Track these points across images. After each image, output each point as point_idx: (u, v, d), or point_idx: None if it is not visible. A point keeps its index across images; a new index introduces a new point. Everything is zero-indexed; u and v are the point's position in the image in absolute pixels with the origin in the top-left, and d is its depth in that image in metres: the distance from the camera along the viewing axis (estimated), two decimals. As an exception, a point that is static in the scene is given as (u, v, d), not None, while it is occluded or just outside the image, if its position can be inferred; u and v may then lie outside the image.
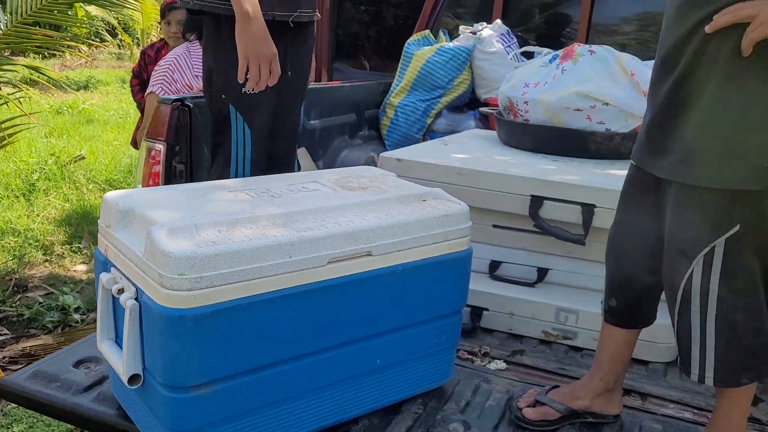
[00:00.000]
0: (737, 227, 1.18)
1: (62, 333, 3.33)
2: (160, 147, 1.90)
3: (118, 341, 1.28)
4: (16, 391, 1.46)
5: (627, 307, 1.46)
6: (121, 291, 1.20)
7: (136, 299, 1.16)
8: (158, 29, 13.08)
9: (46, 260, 4.11)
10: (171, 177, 1.91)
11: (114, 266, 1.25)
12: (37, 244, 4.26)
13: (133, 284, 1.18)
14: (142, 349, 1.17)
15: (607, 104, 2.10)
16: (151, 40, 13.65)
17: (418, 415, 1.45)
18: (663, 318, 1.76)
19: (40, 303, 3.51)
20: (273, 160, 1.86)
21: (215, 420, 1.17)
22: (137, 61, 3.50)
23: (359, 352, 1.33)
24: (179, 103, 1.92)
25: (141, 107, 3.43)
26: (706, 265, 1.23)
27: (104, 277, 1.25)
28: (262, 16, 1.62)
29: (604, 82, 2.12)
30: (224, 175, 1.76)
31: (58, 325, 3.39)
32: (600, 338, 1.52)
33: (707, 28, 1.14)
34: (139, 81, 3.43)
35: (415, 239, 1.35)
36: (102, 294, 1.27)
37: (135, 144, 3.55)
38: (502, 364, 1.73)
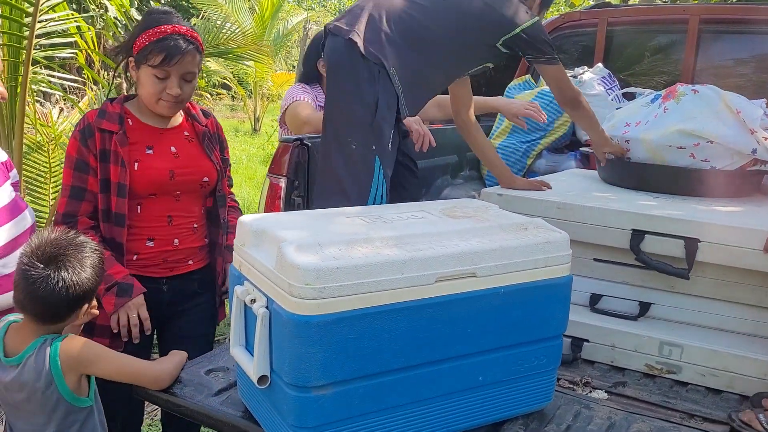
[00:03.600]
0: None
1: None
2: (282, 182, 2.09)
3: (248, 347, 1.44)
4: (154, 393, 1.64)
5: None
6: (253, 301, 1.36)
7: (266, 308, 1.32)
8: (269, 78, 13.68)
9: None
10: (290, 209, 2.10)
11: (247, 279, 1.42)
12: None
13: (264, 294, 1.33)
14: (271, 353, 1.32)
15: (711, 142, 2.10)
16: (264, 93, 14.50)
17: (519, 434, 1.51)
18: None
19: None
20: None
21: (332, 420, 1.29)
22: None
23: (462, 368, 1.42)
24: (299, 142, 2.12)
25: None
26: None
27: (239, 289, 1.42)
28: None
29: (708, 120, 2.13)
30: None
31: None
32: None
33: None
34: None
35: (517, 263, 1.44)
36: (236, 304, 1.44)
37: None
38: (603, 394, 1.75)
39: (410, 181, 2.19)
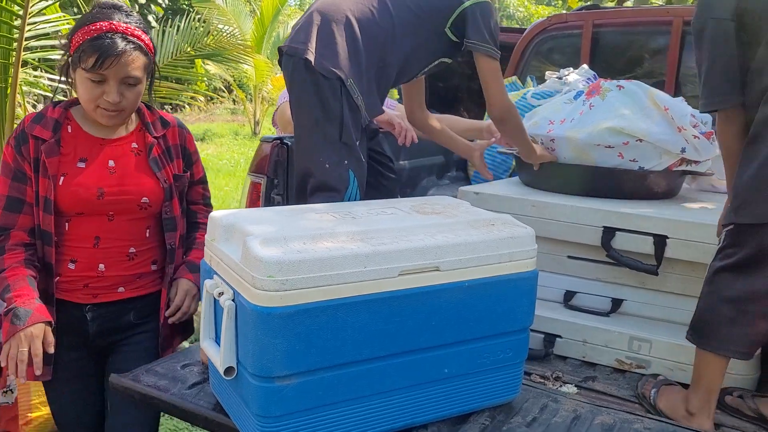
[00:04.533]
0: (731, 226, 1.58)
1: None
2: (261, 180, 2.13)
3: (217, 340, 1.47)
4: (130, 387, 1.67)
5: None
6: (221, 294, 1.39)
7: (233, 300, 1.35)
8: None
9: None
10: (269, 206, 2.14)
11: (216, 273, 1.45)
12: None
13: (231, 287, 1.37)
14: (237, 345, 1.35)
15: (641, 140, 2.02)
16: (264, 97, 14.52)
17: (485, 426, 1.53)
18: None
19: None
20: None
21: (297, 410, 1.32)
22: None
23: (427, 361, 1.45)
24: (279, 141, 2.16)
25: None
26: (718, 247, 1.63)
27: (208, 283, 1.45)
28: None
29: (636, 118, 2.05)
30: None
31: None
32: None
33: None
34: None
35: (481, 258, 1.47)
36: (206, 298, 1.47)
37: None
38: (573, 389, 1.79)
39: (387, 177, 2.21)
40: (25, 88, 3.50)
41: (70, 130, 1.75)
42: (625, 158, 2.05)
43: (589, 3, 3.93)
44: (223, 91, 16.53)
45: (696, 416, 1.60)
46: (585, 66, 3.34)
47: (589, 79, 3.26)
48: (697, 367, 1.62)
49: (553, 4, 12.60)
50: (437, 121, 2.33)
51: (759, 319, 1.55)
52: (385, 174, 2.17)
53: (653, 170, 2.06)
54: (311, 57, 1.83)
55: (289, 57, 1.90)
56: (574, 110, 2.21)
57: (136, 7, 12.25)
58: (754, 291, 1.53)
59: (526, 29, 3.74)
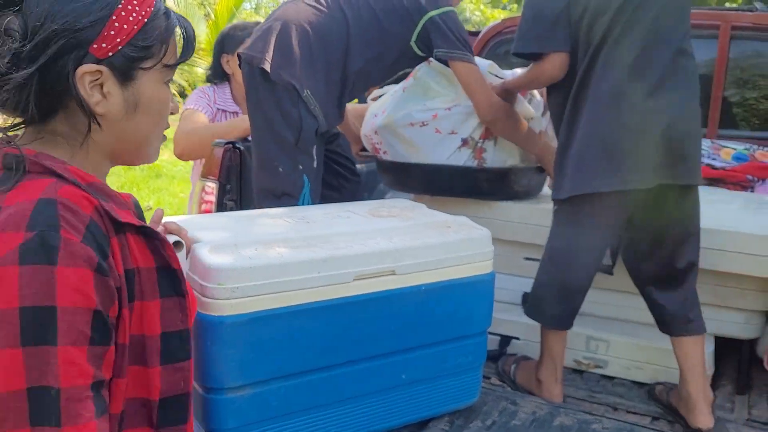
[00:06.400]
0: (556, 206, 1.73)
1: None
2: (213, 185, 2.07)
3: (166, 351, 1.41)
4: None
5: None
6: (169, 303, 1.34)
7: (182, 310, 1.29)
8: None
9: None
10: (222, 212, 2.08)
11: (164, 282, 1.40)
12: (105, 286, 4.52)
13: (180, 297, 1.31)
14: (187, 356, 1.30)
15: (449, 109, 1.94)
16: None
17: (445, 431, 1.51)
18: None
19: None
20: None
21: (250, 422, 1.28)
22: None
23: (385, 367, 1.42)
24: (231, 145, 2.10)
25: None
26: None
27: (156, 292, 1.40)
28: None
29: (443, 89, 1.98)
30: None
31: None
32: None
33: None
34: None
35: (438, 260, 1.45)
36: (154, 308, 1.41)
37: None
38: (532, 390, 1.78)
39: (348, 179, 2.18)
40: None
41: None
42: (443, 132, 1.95)
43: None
44: (177, 97, 16.25)
45: (544, 383, 1.74)
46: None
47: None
48: (542, 340, 1.76)
49: (508, 8, 12.79)
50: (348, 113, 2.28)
51: (575, 295, 1.73)
52: (347, 176, 2.15)
53: (509, 167, 1.98)
54: (267, 67, 1.81)
55: (246, 64, 1.87)
56: (393, 98, 2.08)
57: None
58: (572, 265, 1.70)
59: (481, 32, 3.76)
